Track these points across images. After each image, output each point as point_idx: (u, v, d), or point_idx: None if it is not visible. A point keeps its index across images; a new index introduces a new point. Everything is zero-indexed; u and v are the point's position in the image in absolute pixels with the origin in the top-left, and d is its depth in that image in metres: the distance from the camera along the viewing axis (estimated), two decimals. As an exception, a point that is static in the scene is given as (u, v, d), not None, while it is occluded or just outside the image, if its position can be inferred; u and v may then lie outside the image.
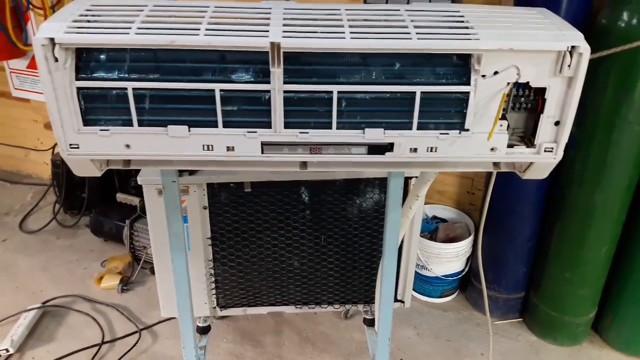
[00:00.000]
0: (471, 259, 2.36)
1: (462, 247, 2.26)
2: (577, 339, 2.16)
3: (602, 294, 2.08)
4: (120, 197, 2.73)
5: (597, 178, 1.78)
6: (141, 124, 0.99)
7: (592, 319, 2.14)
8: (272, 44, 0.91)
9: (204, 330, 1.83)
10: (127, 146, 1.01)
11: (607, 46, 1.56)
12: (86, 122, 0.98)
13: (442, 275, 2.32)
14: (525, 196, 1.99)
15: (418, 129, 1.01)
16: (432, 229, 2.40)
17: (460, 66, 0.97)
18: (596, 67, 1.63)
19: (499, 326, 2.28)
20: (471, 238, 2.29)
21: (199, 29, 0.93)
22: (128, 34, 0.92)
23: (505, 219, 2.07)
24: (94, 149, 1.01)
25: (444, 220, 2.47)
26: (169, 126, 0.98)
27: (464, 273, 2.38)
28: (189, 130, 0.99)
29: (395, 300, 1.84)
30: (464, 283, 2.43)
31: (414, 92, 0.97)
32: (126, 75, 0.96)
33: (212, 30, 0.93)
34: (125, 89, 0.95)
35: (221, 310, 1.78)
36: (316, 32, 0.94)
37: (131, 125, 0.99)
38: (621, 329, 2.10)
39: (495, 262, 2.18)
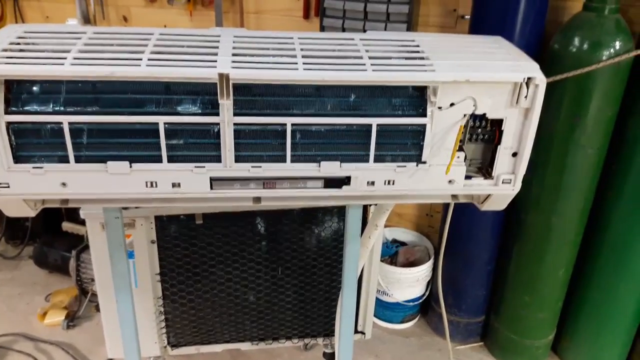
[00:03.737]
0: (431, 283, 2.34)
1: (423, 272, 2.24)
2: (537, 361, 2.16)
3: (560, 315, 2.09)
4: (67, 226, 2.58)
5: (553, 201, 1.79)
6: (78, 160, 0.92)
7: (552, 341, 2.14)
8: (221, 75, 0.86)
9: (154, 370, 1.73)
10: (64, 184, 0.94)
11: (559, 71, 1.58)
12: (17, 159, 0.91)
13: (403, 301, 2.28)
14: (483, 220, 1.99)
15: (375, 161, 0.98)
16: (392, 253, 2.37)
17: (416, 97, 0.95)
18: (549, 91, 1.63)
19: (461, 351, 2.26)
20: (431, 262, 2.27)
21: (140, 59, 0.87)
22: (63, 64, 0.85)
23: (464, 243, 2.06)
24: (26, 188, 0.93)
25: (403, 244, 2.45)
26: (108, 162, 0.92)
27: (424, 298, 2.35)
28: (131, 166, 0.92)
29: (356, 331, 1.79)
30: (425, 308, 2.40)
31: (370, 125, 0.94)
32: (61, 108, 0.89)
33: (155, 60, 0.87)
34: (61, 123, 0.88)
35: (172, 350, 1.68)
36: (267, 63, 0.89)
37: (67, 161, 0.92)
38: (580, 350, 2.10)
39: (454, 286, 2.16)
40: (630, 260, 1.82)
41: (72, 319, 2.33)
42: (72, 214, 2.65)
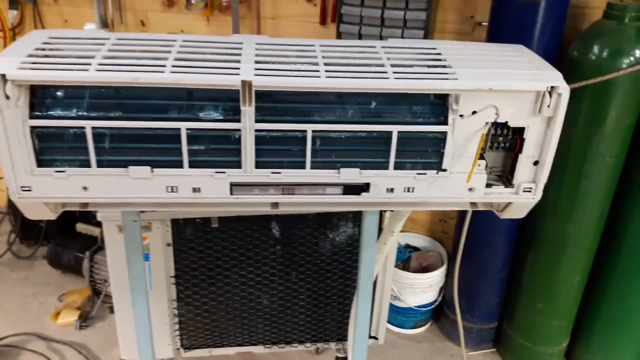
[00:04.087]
0: (444, 288, 2.33)
1: (435, 277, 2.23)
2: (550, 369, 2.14)
3: (574, 323, 2.07)
4: (81, 227, 2.59)
5: (569, 208, 1.78)
6: (100, 164, 0.92)
7: (565, 348, 2.12)
8: (244, 82, 0.86)
9: (167, 372, 1.74)
10: (85, 188, 0.94)
11: (578, 78, 1.57)
12: (40, 163, 0.91)
13: (415, 306, 2.28)
14: (498, 226, 1.98)
15: (395, 168, 0.97)
16: (405, 258, 2.36)
17: (437, 105, 0.94)
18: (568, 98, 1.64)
19: (473, 357, 2.24)
20: (444, 268, 2.26)
21: (164, 65, 0.87)
22: (87, 70, 0.86)
23: (479, 249, 2.05)
24: (48, 191, 0.93)
25: (416, 249, 2.44)
26: (130, 167, 0.92)
27: (437, 303, 2.34)
28: (152, 171, 0.93)
29: (369, 337, 1.78)
30: (437, 313, 2.39)
31: (391, 132, 0.94)
32: (85, 113, 0.89)
33: (178, 67, 0.88)
34: (84, 128, 0.89)
35: (185, 352, 1.69)
36: (290, 70, 0.89)
37: (89, 166, 0.92)
38: (594, 359, 2.08)
39: (468, 292, 2.15)
40: (647, 269, 1.81)
41: (84, 320, 2.34)
42: (86, 216, 2.67)
